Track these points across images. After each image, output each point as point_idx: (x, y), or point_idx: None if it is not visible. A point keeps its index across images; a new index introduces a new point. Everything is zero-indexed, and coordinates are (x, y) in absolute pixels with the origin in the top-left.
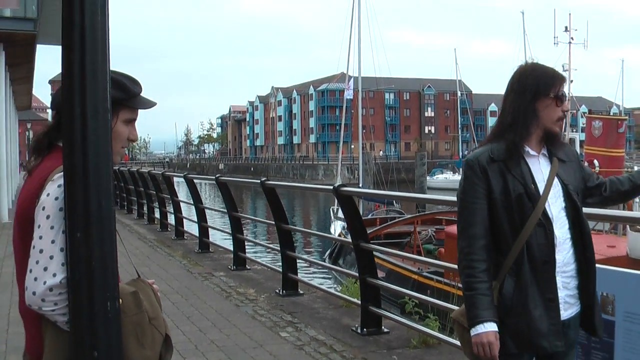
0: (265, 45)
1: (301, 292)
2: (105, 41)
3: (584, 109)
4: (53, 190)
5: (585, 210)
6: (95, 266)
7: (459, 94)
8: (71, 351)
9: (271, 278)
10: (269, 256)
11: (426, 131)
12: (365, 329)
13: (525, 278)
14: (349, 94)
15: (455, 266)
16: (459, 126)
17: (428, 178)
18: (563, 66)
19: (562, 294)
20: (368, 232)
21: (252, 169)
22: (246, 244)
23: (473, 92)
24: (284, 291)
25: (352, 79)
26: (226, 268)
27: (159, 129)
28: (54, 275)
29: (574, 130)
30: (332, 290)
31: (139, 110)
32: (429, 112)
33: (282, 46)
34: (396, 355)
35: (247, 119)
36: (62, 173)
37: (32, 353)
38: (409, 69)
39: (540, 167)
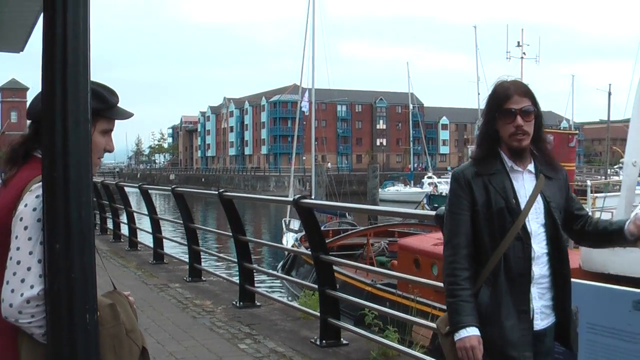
0: (218, 56)
1: (258, 303)
2: (87, 51)
3: None
4: (31, 201)
5: None
6: (75, 278)
7: (411, 106)
8: None
9: (227, 290)
10: (222, 268)
11: (378, 143)
12: (324, 341)
13: (500, 289)
14: (304, 106)
15: (412, 277)
16: (411, 139)
17: (380, 190)
18: None
19: (538, 304)
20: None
21: (203, 179)
22: (201, 255)
23: (425, 105)
24: (241, 303)
25: (307, 91)
26: (182, 279)
27: None
28: (32, 287)
29: None
30: (290, 302)
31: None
32: (381, 125)
33: (235, 57)
34: None
35: (199, 130)
36: (40, 184)
37: None
38: (362, 82)
39: (523, 183)
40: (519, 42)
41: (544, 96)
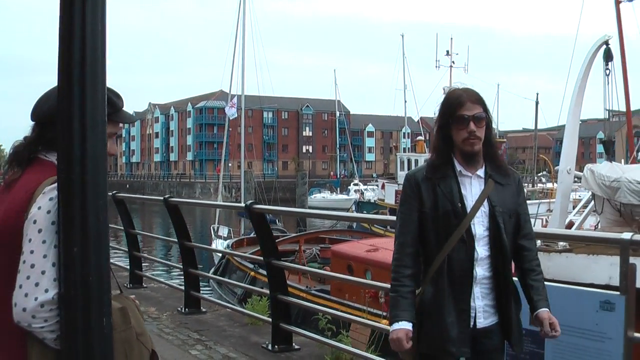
0: (141, 62)
1: (204, 309)
2: (104, 51)
3: None
4: (45, 203)
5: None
6: (91, 282)
7: (337, 113)
8: None
9: (170, 296)
10: (157, 273)
11: (304, 150)
12: (276, 346)
13: (442, 288)
14: (232, 113)
15: (369, 282)
16: (337, 146)
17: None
18: (444, 89)
19: (481, 303)
20: (253, 251)
21: (127, 186)
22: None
23: (351, 113)
24: (186, 309)
25: (235, 97)
26: (122, 286)
27: None
28: (46, 290)
29: None
30: (238, 308)
31: None
32: (307, 132)
33: (159, 63)
34: None
35: (123, 135)
36: (53, 186)
37: None
38: (288, 89)
39: (471, 188)
40: (447, 51)
41: None
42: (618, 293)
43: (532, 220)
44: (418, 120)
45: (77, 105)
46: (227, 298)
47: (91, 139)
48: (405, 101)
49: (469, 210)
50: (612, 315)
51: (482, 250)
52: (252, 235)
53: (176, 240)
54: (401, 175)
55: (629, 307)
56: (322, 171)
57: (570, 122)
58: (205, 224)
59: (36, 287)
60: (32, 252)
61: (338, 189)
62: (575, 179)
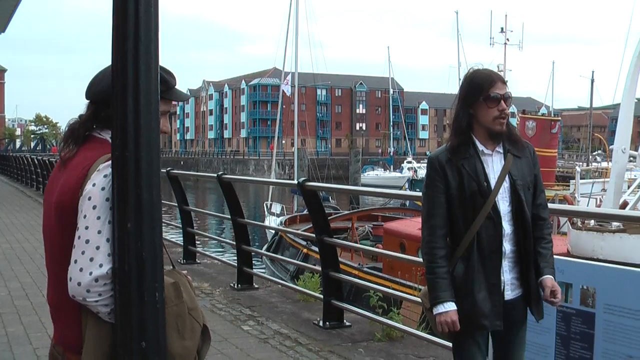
0: (195, 42)
1: (256, 286)
2: (157, 31)
3: (513, 109)
4: (99, 180)
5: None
6: (145, 257)
7: (391, 91)
8: (116, 342)
9: (222, 272)
10: (210, 249)
11: (357, 128)
12: (327, 323)
13: (473, 264)
14: (287, 89)
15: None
16: (390, 123)
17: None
18: (498, 67)
19: (508, 276)
20: (306, 228)
21: (182, 162)
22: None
23: (405, 90)
24: (239, 285)
25: (289, 75)
26: (176, 262)
27: None
28: (101, 265)
29: None
30: (290, 284)
31: None
32: (361, 109)
33: (213, 43)
34: (362, 348)
35: (177, 112)
36: (107, 163)
37: (66, 344)
38: (342, 66)
39: (492, 165)
40: (502, 28)
41: (523, 82)
42: None
43: (586, 200)
44: None
45: (131, 83)
46: (280, 275)
47: (145, 117)
48: (460, 79)
49: (493, 187)
50: None
51: (507, 225)
52: (304, 212)
53: (229, 216)
54: None
55: None
56: (375, 149)
57: (626, 101)
58: (258, 201)
59: (91, 262)
60: (87, 228)
61: (391, 166)
62: (631, 158)
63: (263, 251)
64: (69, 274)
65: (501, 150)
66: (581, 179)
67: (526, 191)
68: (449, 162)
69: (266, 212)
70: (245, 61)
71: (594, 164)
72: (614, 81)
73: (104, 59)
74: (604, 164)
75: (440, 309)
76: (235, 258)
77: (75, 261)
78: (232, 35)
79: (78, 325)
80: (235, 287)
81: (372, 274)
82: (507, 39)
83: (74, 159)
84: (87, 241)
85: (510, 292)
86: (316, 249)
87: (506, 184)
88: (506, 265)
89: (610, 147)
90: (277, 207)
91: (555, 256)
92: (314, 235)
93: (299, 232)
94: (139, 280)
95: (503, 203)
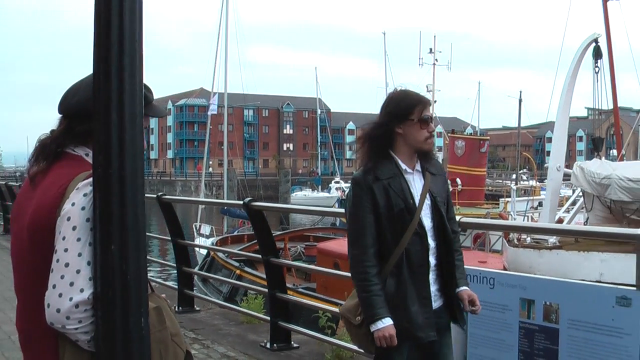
0: None
1: (197, 308)
2: (141, 41)
3: (439, 129)
4: (79, 199)
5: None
6: (130, 280)
7: (318, 111)
8: None
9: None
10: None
11: (285, 148)
12: (275, 344)
13: (404, 279)
14: (213, 110)
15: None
16: (318, 144)
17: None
18: (427, 87)
19: (433, 288)
20: (238, 249)
21: None
22: None
23: (332, 111)
24: (180, 308)
25: (216, 95)
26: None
27: (10, 142)
28: (82, 290)
29: (438, 149)
30: (234, 306)
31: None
32: (288, 130)
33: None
34: None
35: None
36: (87, 181)
37: None
38: (269, 87)
39: (414, 183)
40: (431, 49)
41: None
42: (635, 288)
43: (522, 218)
44: None
45: (115, 96)
46: (212, 297)
47: (130, 132)
48: None
49: (417, 204)
50: (629, 310)
51: (431, 240)
52: (235, 233)
53: (169, 238)
54: None
55: None
56: (303, 169)
57: (560, 120)
58: (185, 221)
59: (71, 286)
60: (66, 250)
61: (319, 186)
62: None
63: (204, 272)
64: (47, 299)
65: (419, 169)
66: (507, 197)
67: (443, 207)
68: (375, 182)
69: (195, 234)
70: (173, 81)
71: (522, 182)
72: (537, 102)
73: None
74: (532, 182)
75: (379, 325)
76: (175, 280)
77: (54, 286)
78: (161, 53)
79: (52, 354)
80: (177, 310)
81: (307, 294)
82: (436, 60)
83: (46, 177)
84: (67, 264)
85: (434, 302)
86: (250, 270)
87: (428, 201)
88: (431, 279)
89: (545, 165)
90: (206, 229)
91: (516, 273)
92: (259, 255)
93: (249, 254)
94: (123, 305)
95: (426, 219)
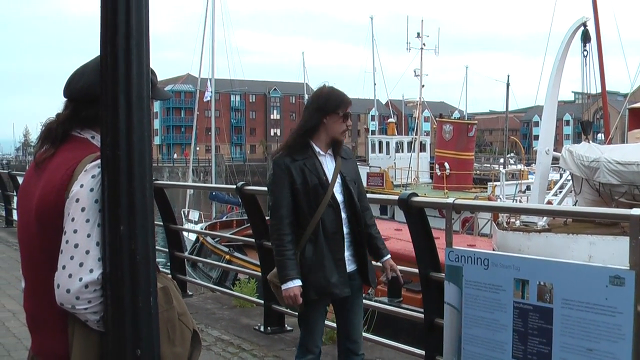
0: None
1: (190, 293)
2: (148, 24)
3: (428, 113)
4: (87, 181)
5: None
6: (139, 260)
7: (305, 97)
8: (107, 350)
9: None
10: None
11: (272, 134)
12: (269, 328)
13: (320, 244)
14: (208, 95)
15: None
16: None
17: None
18: (415, 71)
19: (347, 253)
20: (228, 234)
21: None
22: None
23: None
24: None
25: (207, 81)
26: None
27: None
28: (91, 271)
29: (426, 134)
30: (227, 290)
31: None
32: (275, 115)
33: None
34: None
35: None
36: (95, 163)
37: (46, 354)
38: (256, 73)
39: (327, 164)
40: (418, 33)
41: (438, 86)
42: (628, 268)
43: (511, 201)
44: (387, 103)
45: (123, 79)
46: (202, 282)
47: (137, 114)
48: (375, 84)
49: (330, 181)
50: (622, 290)
51: (343, 212)
52: (224, 218)
53: (161, 223)
54: (372, 157)
55: None
56: None
57: (549, 103)
58: (174, 208)
59: (80, 267)
60: (75, 231)
61: None
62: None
63: (195, 257)
64: (56, 280)
65: (332, 153)
66: (496, 181)
67: (353, 185)
68: (292, 162)
69: (184, 220)
70: (159, 66)
71: (510, 166)
72: (525, 87)
73: None
74: (519, 166)
75: (289, 284)
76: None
77: (64, 267)
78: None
79: (61, 334)
80: None
81: None
82: (424, 44)
83: (52, 160)
84: (76, 245)
85: (348, 266)
86: (239, 255)
87: (339, 180)
88: (345, 245)
89: (535, 149)
90: (194, 214)
91: (511, 254)
92: (252, 239)
93: (244, 238)
94: (132, 285)
95: (338, 194)
